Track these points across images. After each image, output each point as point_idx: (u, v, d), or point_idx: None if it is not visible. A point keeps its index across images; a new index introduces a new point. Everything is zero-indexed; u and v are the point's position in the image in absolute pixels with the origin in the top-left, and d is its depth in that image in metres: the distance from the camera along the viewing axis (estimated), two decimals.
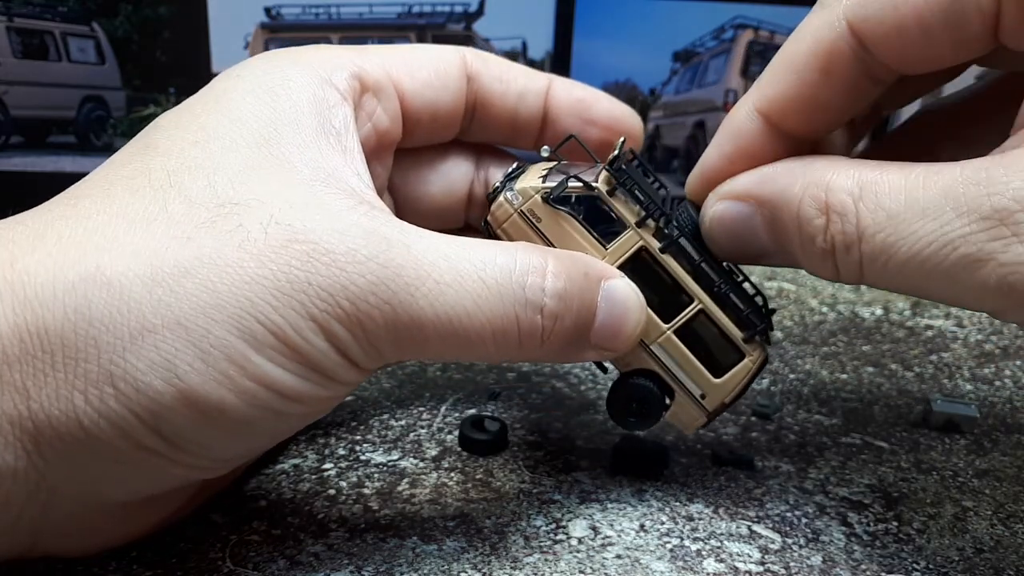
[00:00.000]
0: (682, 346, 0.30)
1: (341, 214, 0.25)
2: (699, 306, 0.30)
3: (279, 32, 0.49)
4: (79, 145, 0.46)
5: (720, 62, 0.53)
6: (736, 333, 0.30)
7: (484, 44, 0.52)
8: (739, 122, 0.30)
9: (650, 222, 0.30)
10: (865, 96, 0.29)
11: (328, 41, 0.49)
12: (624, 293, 0.29)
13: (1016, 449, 0.37)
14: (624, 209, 0.30)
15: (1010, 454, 0.37)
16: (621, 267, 0.29)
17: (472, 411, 0.38)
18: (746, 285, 0.31)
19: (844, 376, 0.43)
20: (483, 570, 0.28)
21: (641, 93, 0.53)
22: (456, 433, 0.36)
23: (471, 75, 0.32)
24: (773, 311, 0.32)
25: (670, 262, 0.30)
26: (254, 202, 0.25)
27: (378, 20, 0.51)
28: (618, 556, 0.29)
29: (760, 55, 0.53)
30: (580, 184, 0.29)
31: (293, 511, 0.31)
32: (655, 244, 0.30)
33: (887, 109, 0.35)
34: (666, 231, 0.30)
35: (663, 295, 0.30)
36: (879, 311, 0.50)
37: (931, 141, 0.33)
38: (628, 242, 0.30)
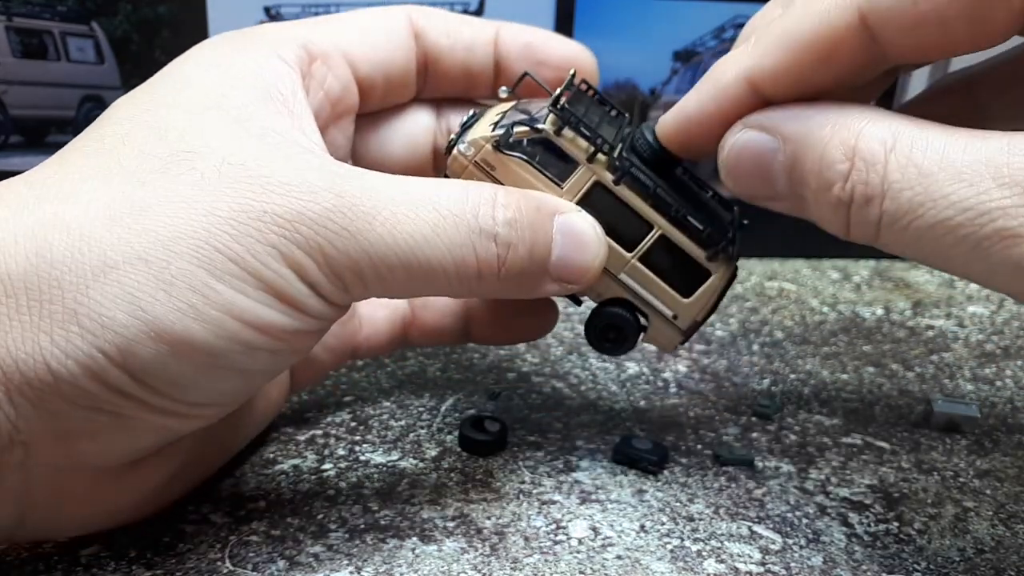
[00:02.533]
0: (648, 272, 0.31)
1: (293, 155, 0.26)
2: (659, 232, 0.30)
3: None
4: None
5: None
6: (699, 253, 0.30)
7: None
8: (726, 84, 0.29)
9: (600, 156, 0.30)
10: (859, 79, 0.29)
11: None
12: (580, 226, 0.29)
13: (1017, 449, 0.37)
14: (573, 146, 0.30)
15: (1011, 454, 0.37)
16: (580, 203, 0.30)
17: (472, 411, 0.38)
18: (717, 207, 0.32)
19: (845, 376, 0.43)
20: (483, 571, 0.28)
21: (641, 93, 0.53)
22: (456, 433, 0.36)
23: (418, 32, 0.32)
24: (744, 224, 0.32)
25: (625, 192, 0.30)
26: (205, 149, 0.25)
27: None
28: (618, 557, 0.29)
29: None
30: (526, 128, 0.30)
31: (292, 512, 0.31)
32: (608, 177, 0.30)
33: (902, 72, 0.34)
34: (617, 163, 0.30)
35: (625, 225, 0.30)
36: (880, 311, 0.50)
37: (974, 106, 0.32)
38: (582, 178, 0.30)
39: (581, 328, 0.46)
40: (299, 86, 0.28)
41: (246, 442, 0.33)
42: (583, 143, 0.30)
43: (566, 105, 0.29)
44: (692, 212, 0.30)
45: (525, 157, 0.30)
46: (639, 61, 0.52)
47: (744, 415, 0.39)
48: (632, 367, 0.42)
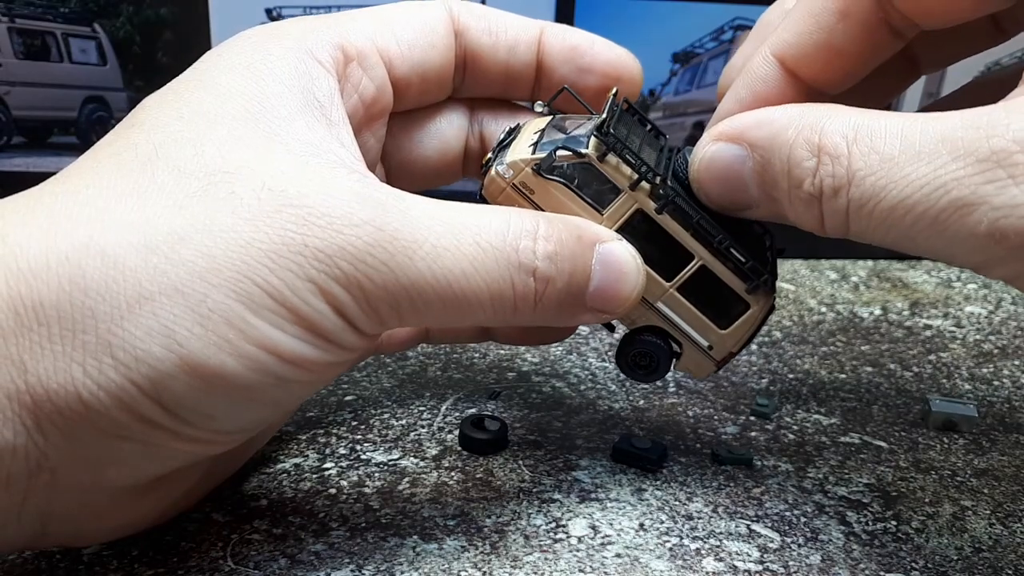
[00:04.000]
0: (686, 302, 0.30)
1: (333, 180, 0.25)
2: (700, 262, 0.30)
3: None
4: (81, 146, 0.47)
5: (720, 63, 0.53)
6: (739, 284, 0.30)
7: None
8: (756, 68, 0.29)
9: (644, 184, 0.29)
10: (884, 47, 0.29)
11: None
12: (620, 256, 0.29)
13: (1014, 449, 0.37)
14: (617, 173, 0.29)
15: (1008, 454, 0.37)
16: (619, 230, 0.29)
17: (472, 410, 0.38)
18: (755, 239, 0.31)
19: (843, 376, 0.43)
20: (483, 569, 0.29)
21: (641, 94, 0.53)
22: (456, 432, 0.36)
23: (459, 30, 0.31)
24: (782, 251, 0.32)
25: (668, 221, 0.30)
26: (244, 170, 0.25)
27: None
28: (618, 555, 0.30)
29: None
30: (569, 152, 0.29)
31: (294, 510, 0.31)
32: (651, 205, 0.29)
33: (925, 70, 0.34)
34: (661, 191, 0.29)
35: (665, 253, 0.30)
36: (878, 311, 0.50)
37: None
38: (624, 205, 0.29)
39: (580, 328, 0.46)
40: (336, 91, 0.28)
41: (263, 444, 0.33)
42: (626, 170, 0.29)
43: (611, 130, 0.29)
44: (734, 243, 0.30)
45: (565, 182, 0.29)
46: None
47: (743, 414, 0.39)
48: None
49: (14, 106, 0.45)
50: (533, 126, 0.31)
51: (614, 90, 0.31)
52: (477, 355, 0.43)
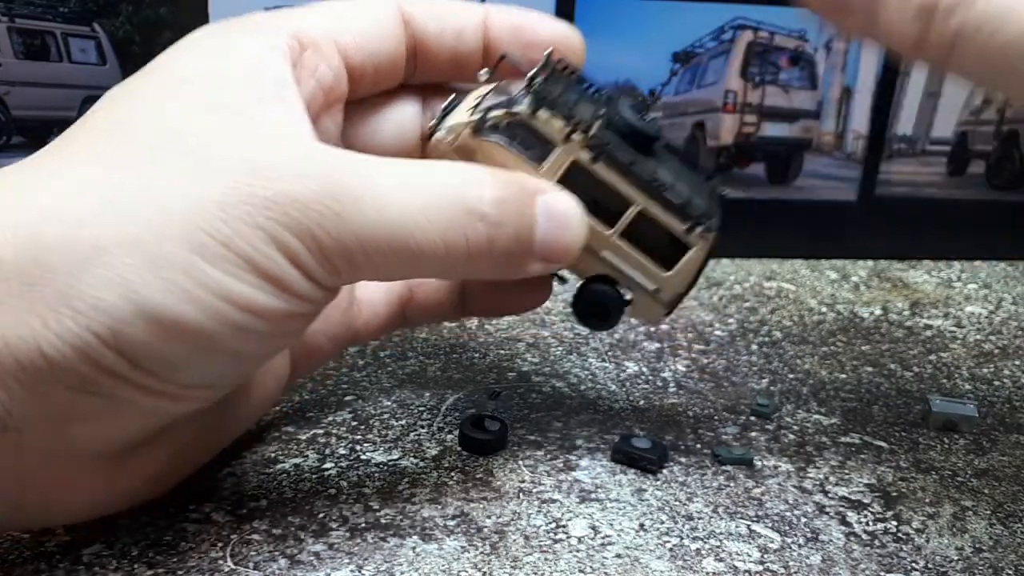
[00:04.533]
0: (628, 248, 0.31)
1: (285, 140, 0.26)
2: (638, 207, 0.30)
3: None
4: None
5: (720, 63, 0.53)
6: (678, 227, 0.31)
7: None
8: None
9: (576, 136, 0.30)
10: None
11: None
12: (561, 206, 0.29)
13: (1015, 449, 0.37)
14: (549, 127, 0.30)
15: (1009, 454, 0.37)
16: (559, 183, 0.30)
17: (472, 411, 0.38)
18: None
19: (843, 376, 0.43)
20: (483, 569, 0.29)
21: (641, 94, 0.53)
22: (456, 432, 0.36)
23: (407, 20, 0.32)
24: (723, 196, 0.32)
25: (603, 170, 0.30)
26: (200, 133, 0.25)
27: None
28: (618, 555, 0.30)
29: (760, 56, 0.53)
30: (502, 111, 0.30)
31: (294, 510, 0.31)
32: (585, 156, 0.30)
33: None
34: (593, 141, 0.30)
35: (604, 202, 0.30)
36: (878, 311, 0.50)
37: None
38: (560, 158, 0.30)
39: (581, 328, 0.46)
40: (291, 76, 0.29)
41: (243, 430, 0.33)
42: (559, 123, 0.30)
43: (541, 85, 0.30)
44: (669, 186, 0.30)
45: (503, 141, 0.30)
46: (638, 62, 0.52)
47: (743, 414, 0.39)
48: (631, 367, 0.42)
49: (13, 106, 0.45)
50: (476, 93, 0.32)
51: (548, 51, 0.31)
52: (477, 355, 0.43)
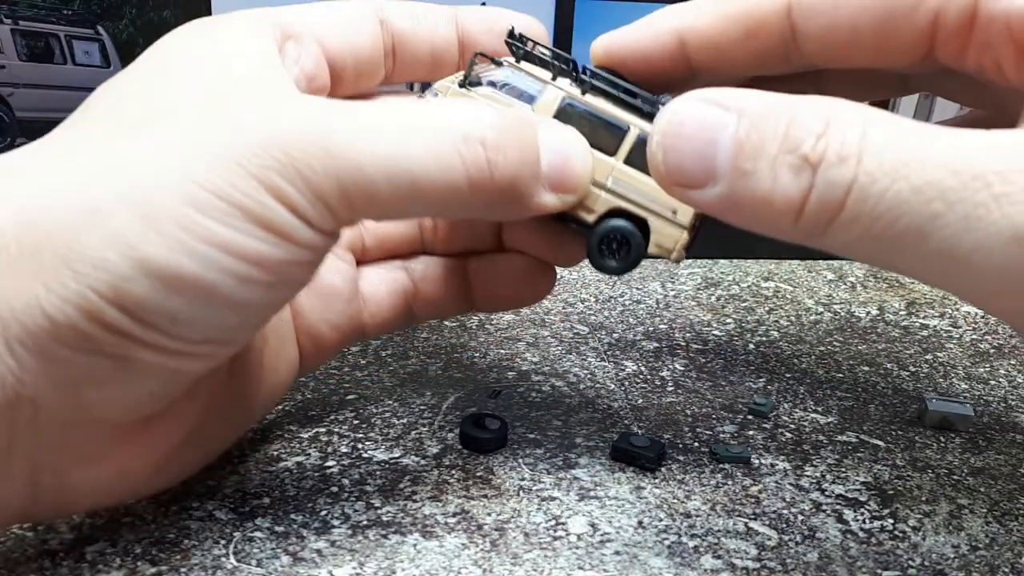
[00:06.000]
0: (636, 172, 0.30)
1: (271, 95, 0.27)
2: (636, 131, 0.30)
3: None
4: None
5: None
6: None
7: None
8: (658, 30, 0.30)
9: (561, 78, 0.30)
10: (774, 69, 0.30)
11: None
12: (560, 133, 0.29)
13: (1011, 447, 0.38)
14: (537, 72, 0.30)
15: (1004, 452, 0.37)
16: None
17: (473, 409, 0.38)
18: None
19: (840, 375, 0.43)
20: (483, 566, 0.29)
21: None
22: (457, 431, 0.36)
23: (383, 19, 0.33)
24: None
25: (594, 101, 0.30)
26: (186, 104, 0.26)
27: None
28: (616, 552, 0.30)
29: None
30: (487, 60, 0.30)
31: (296, 508, 0.31)
32: (575, 91, 0.30)
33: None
34: (580, 77, 0.30)
35: (602, 133, 0.30)
36: (874, 311, 0.51)
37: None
38: (550, 97, 0.30)
39: (580, 327, 0.46)
40: (276, 52, 0.29)
41: (256, 418, 0.33)
42: (544, 70, 0.30)
43: (519, 44, 0.30)
44: (660, 101, 0.30)
45: (492, 90, 0.30)
46: None
47: (740, 413, 0.39)
48: (630, 366, 0.43)
49: (18, 107, 0.45)
50: (455, 76, 0.32)
51: (511, 26, 0.31)
52: (477, 355, 0.43)
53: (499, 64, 0.30)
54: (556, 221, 0.31)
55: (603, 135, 0.30)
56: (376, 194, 0.26)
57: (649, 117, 0.30)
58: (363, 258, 0.36)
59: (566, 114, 0.30)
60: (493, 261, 0.35)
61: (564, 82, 0.30)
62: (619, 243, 0.30)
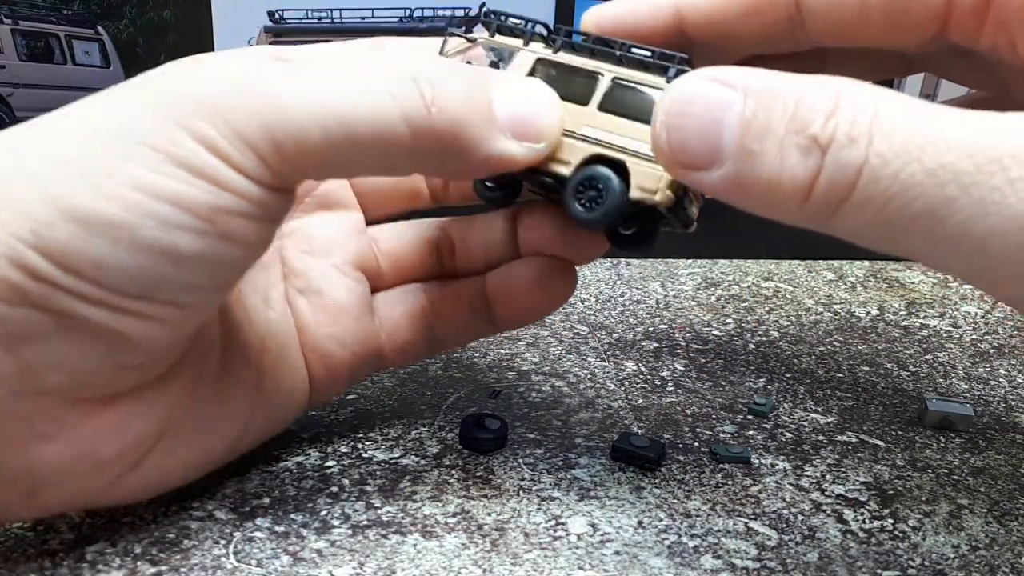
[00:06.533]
0: (612, 116, 0.29)
1: (219, 62, 0.26)
2: (611, 76, 0.29)
3: (282, 36, 0.49)
4: None
5: None
6: (657, 80, 0.29)
7: None
8: (653, 2, 0.30)
9: (534, 43, 0.30)
10: (776, 47, 0.29)
11: None
12: (523, 82, 0.28)
13: (1011, 447, 0.38)
14: (509, 43, 0.30)
15: (1005, 452, 0.37)
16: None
17: (472, 409, 0.38)
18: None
19: (840, 375, 0.43)
20: (483, 566, 0.29)
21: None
22: (457, 431, 0.36)
23: None
24: (688, 59, 0.29)
25: (566, 56, 0.30)
26: (137, 80, 0.26)
27: (380, 24, 0.52)
28: (616, 552, 0.30)
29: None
30: (460, 37, 0.30)
31: (296, 508, 0.31)
32: (547, 52, 0.30)
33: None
34: (552, 38, 0.30)
35: (576, 87, 0.29)
36: (874, 311, 0.51)
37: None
38: (522, 60, 0.30)
39: (580, 327, 0.46)
40: None
41: (255, 436, 0.32)
42: (517, 41, 0.30)
43: (493, 15, 0.30)
44: (634, 44, 0.29)
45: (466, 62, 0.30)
46: None
47: (740, 413, 0.39)
48: (630, 366, 0.43)
49: (18, 107, 0.45)
50: None
51: (482, 2, 0.32)
52: (477, 355, 0.43)
53: (472, 41, 0.30)
54: (537, 184, 0.30)
55: (576, 85, 0.29)
56: (305, 139, 0.25)
57: (623, 61, 0.29)
58: (379, 283, 0.35)
59: (537, 73, 0.30)
60: (510, 268, 0.34)
61: (538, 46, 0.30)
62: (596, 189, 0.28)
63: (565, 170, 0.29)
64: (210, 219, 0.25)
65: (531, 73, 0.30)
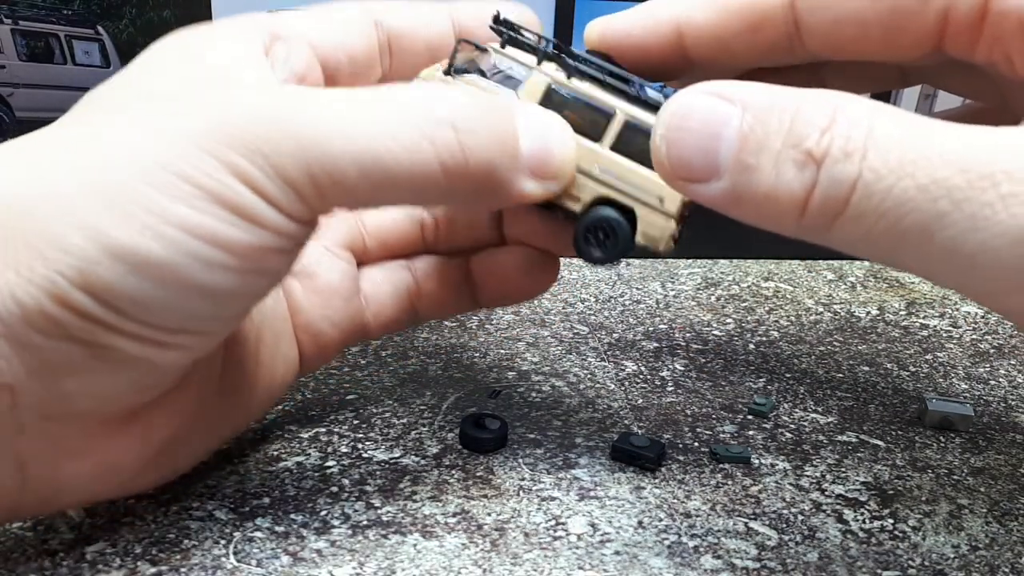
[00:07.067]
0: (622, 159, 0.29)
1: (244, 82, 0.27)
2: (623, 117, 0.29)
3: None
4: None
5: None
6: None
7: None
8: (656, 20, 0.30)
9: (546, 63, 0.30)
10: (776, 62, 0.30)
11: None
12: (541, 118, 0.28)
13: (1011, 447, 0.38)
14: (521, 57, 0.30)
15: (1004, 452, 0.37)
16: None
17: (473, 409, 0.38)
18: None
19: (840, 375, 0.43)
20: (483, 566, 0.29)
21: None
22: (457, 431, 0.36)
23: (377, 20, 0.32)
24: None
25: (580, 85, 0.30)
26: (157, 96, 0.26)
27: None
28: (616, 552, 0.30)
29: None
30: (471, 46, 0.30)
31: (296, 508, 0.31)
32: (561, 76, 0.30)
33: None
34: (566, 61, 0.30)
35: (588, 118, 0.30)
36: (874, 311, 0.51)
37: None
38: (536, 83, 0.30)
39: (580, 327, 0.46)
40: (262, 57, 0.29)
41: (255, 416, 0.33)
42: (529, 56, 0.30)
43: (505, 28, 0.30)
44: (647, 84, 0.29)
45: (477, 77, 0.30)
46: None
47: (740, 413, 0.39)
48: (630, 366, 0.43)
49: (18, 107, 0.45)
50: (438, 64, 0.32)
51: (496, 12, 0.31)
52: (477, 355, 0.43)
53: (483, 51, 0.30)
54: (544, 211, 0.31)
55: (589, 121, 0.29)
56: (344, 180, 0.25)
57: (637, 101, 0.29)
58: (365, 259, 0.36)
59: (551, 100, 0.30)
60: (495, 255, 0.35)
61: (550, 67, 0.30)
62: (605, 233, 0.30)
63: (575, 206, 0.30)
64: (249, 257, 0.25)
65: (545, 100, 0.30)
